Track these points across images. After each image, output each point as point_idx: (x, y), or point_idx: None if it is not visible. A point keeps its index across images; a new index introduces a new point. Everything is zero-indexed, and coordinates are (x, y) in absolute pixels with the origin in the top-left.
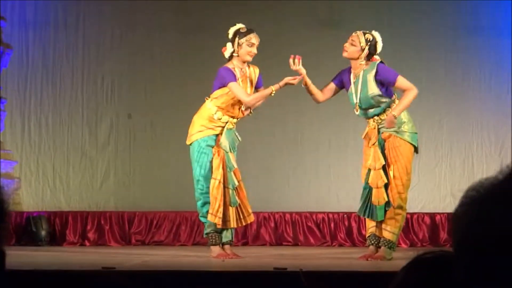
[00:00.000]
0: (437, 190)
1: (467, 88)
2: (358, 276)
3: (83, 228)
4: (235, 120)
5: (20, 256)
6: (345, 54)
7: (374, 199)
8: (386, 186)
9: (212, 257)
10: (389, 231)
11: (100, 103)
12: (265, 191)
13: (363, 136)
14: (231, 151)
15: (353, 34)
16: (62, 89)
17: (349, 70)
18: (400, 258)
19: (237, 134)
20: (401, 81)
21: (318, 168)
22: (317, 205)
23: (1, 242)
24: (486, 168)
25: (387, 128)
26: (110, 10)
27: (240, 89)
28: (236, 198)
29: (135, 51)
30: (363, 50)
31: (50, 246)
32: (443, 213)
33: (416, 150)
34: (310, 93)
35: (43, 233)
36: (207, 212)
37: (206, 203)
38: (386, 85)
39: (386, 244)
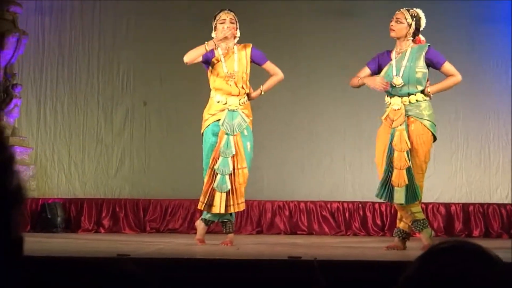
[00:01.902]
0: (453, 180)
1: (484, 77)
2: (373, 265)
3: (98, 215)
4: (237, 99)
5: (35, 243)
6: (393, 34)
7: (394, 180)
8: (408, 170)
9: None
10: (417, 212)
11: (115, 90)
12: (280, 180)
13: (383, 117)
14: (234, 134)
15: (398, 12)
16: (77, 76)
17: (387, 52)
18: (414, 248)
19: (243, 116)
20: (449, 65)
21: (332, 158)
22: (331, 194)
23: (18, 228)
24: (503, 158)
25: (413, 113)
26: None
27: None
28: (227, 184)
29: (151, 38)
30: (410, 26)
31: (65, 232)
32: (458, 204)
33: (434, 140)
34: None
35: (58, 219)
36: None
37: None
38: (433, 66)
39: (422, 224)
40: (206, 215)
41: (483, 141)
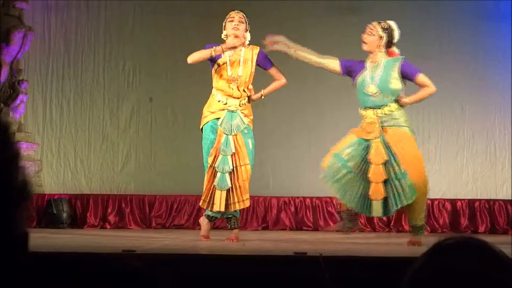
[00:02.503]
0: (458, 176)
1: (489, 73)
2: (378, 261)
3: (104, 211)
4: (237, 101)
5: (41, 238)
6: (365, 47)
7: (372, 194)
8: (385, 182)
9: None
10: (419, 218)
11: (121, 86)
12: (285, 176)
13: (357, 129)
14: (231, 134)
15: (369, 25)
16: (83, 72)
17: (362, 62)
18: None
19: (242, 117)
20: (423, 77)
21: None
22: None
23: (23, 223)
24: (509, 155)
25: (389, 124)
26: None
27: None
28: (228, 182)
29: (157, 34)
30: (381, 38)
31: (71, 228)
32: (464, 200)
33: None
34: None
35: (64, 215)
36: None
37: None
38: (408, 78)
39: (419, 230)
40: (209, 212)
41: (489, 137)
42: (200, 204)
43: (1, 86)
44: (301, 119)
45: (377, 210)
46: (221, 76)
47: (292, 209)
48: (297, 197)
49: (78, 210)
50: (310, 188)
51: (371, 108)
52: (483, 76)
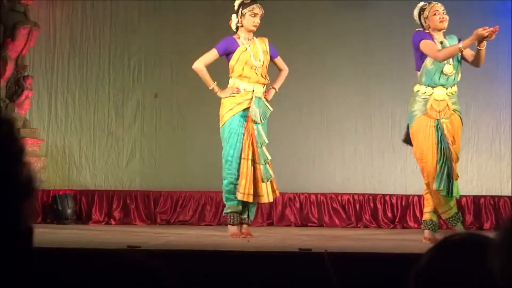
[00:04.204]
0: (463, 172)
1: (494, 69)
2: (383, 257)
3: (108, 207)
4: (262, 87)
5: (46, 234)
6: (445, 24)
7: (454, 174)
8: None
9: (228, 236)
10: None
11: (126, 82)
12: (290, 173)
13: (427, 108)
14: (261, 122)
15: (439, 4)
16: (89, 68)
17: (428, 33)
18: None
19: (267, 103)
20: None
21: (343, 150)
22: (342, 187)
23: (28, 219)
24: None
25: (454, 106)
26: None
27: (204, 56)
28: (270, 172)
29: (163, 30)
30: None
31: (76, 224)
32: (469, 196)
33: None
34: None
35: (69, 211)
36: (231, 191)
37: (231, 183)
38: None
39: (457, 221)
40: (233, 210)
41: (494, 133)
42: (245, 198)
43: (6, 82)
44: (307, 115)
45: (456, 190)
46: (246, 63)
47: (297, 205)
48: (302, 193)
49: (83, 206)
50: (315, 184)
51: (442, 86)
52: (488, 71)
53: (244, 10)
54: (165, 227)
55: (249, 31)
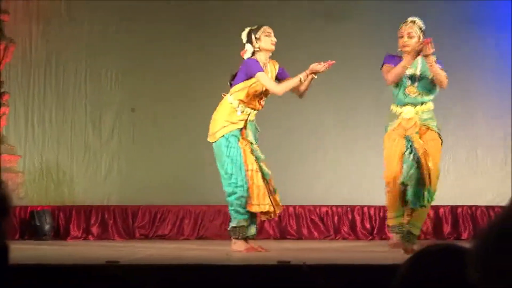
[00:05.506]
0: (441, 182)
1: (472, 79)
2: (362, 269)
3: (87, 222)
4: (255, 112)
5: (24, 251)
6: (407, 49)
7: (426, 182)
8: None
9: (236, 250)
10: (418, 227)
11: (103, 97)
12: None
13: (395, 126)
14: (256, 143)
15: (406, 26)
16: (65, 83)
17: (398, 56)
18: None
19: (257, 125)
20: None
21: (323, 162)
22: (320, 199)
23: (4, 237)
24: (490, 160)
25: (426, 122)
26: (114, 2)
27: (269, 79)
28: (271, 188)
29: (139, 44)
30: (419, 38)
31: (54, 240)
32: (447, 206)
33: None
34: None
35: (47, 227)
36: (242, 205)
37: (241, 196)
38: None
39: (411, 239)
40: (242, 224)
41: (471, 143)
42: (266, 209)
43: None
44: (284, 129)
45: (423, 198)
46: (255, 92)
47: (276, 217)
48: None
49: (61, 222)
50: (293, 196)
51: (410, 105)
52: (466, 81)
53: (257, 34)
54: (144, 242)
55: (269, 50)
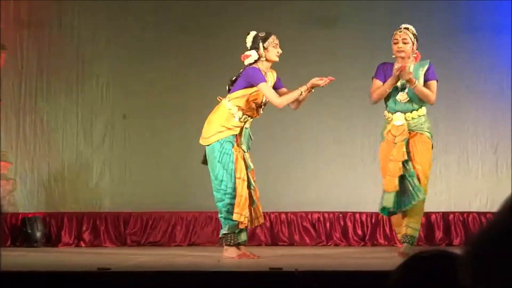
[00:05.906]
0: (432, 188)
1: (462, 85)
2: (354, 275)
3: (78, 229)
4: (251, 119)
5: (16, 257)
6: (402, 55)
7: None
8: (401, 177)
9: (228, 257)
10: (412, 228)
11: (95, 103)
12: (260, 191)
13: (385, 132)
14: (248, 151)
15: (400, 32)
16: (57, 89)
17: (389, 65)
18: (395, 257)
19: (250, 133)
20: (435, 85)
21: (315, 168)
22: (312, 205)
23: None
24: (482, 166)
25: (416, 128)
26: (105, 9)
27: (271, 91)
28: (254, 198)
29: (130, 51)
30: (414, 44)
31: (46, 247)
32: (438, 212)
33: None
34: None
35: (38, 234)
36: (230, 211)
37: (229, 204)
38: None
39: (409, 240)
40: (232, 230)
41: (462, 148)
42: (239, 218)
43: None
44: (279, 134)
45: (388, 201)
46: (254, 100)
47: (268, 224)
48: (272, 212)
49: (53, 228)
50: (285, 203)
51: (400, 112)
52: (456, 87)
53: (266, 43)
54: (136, 248)
55: (271, 62)
